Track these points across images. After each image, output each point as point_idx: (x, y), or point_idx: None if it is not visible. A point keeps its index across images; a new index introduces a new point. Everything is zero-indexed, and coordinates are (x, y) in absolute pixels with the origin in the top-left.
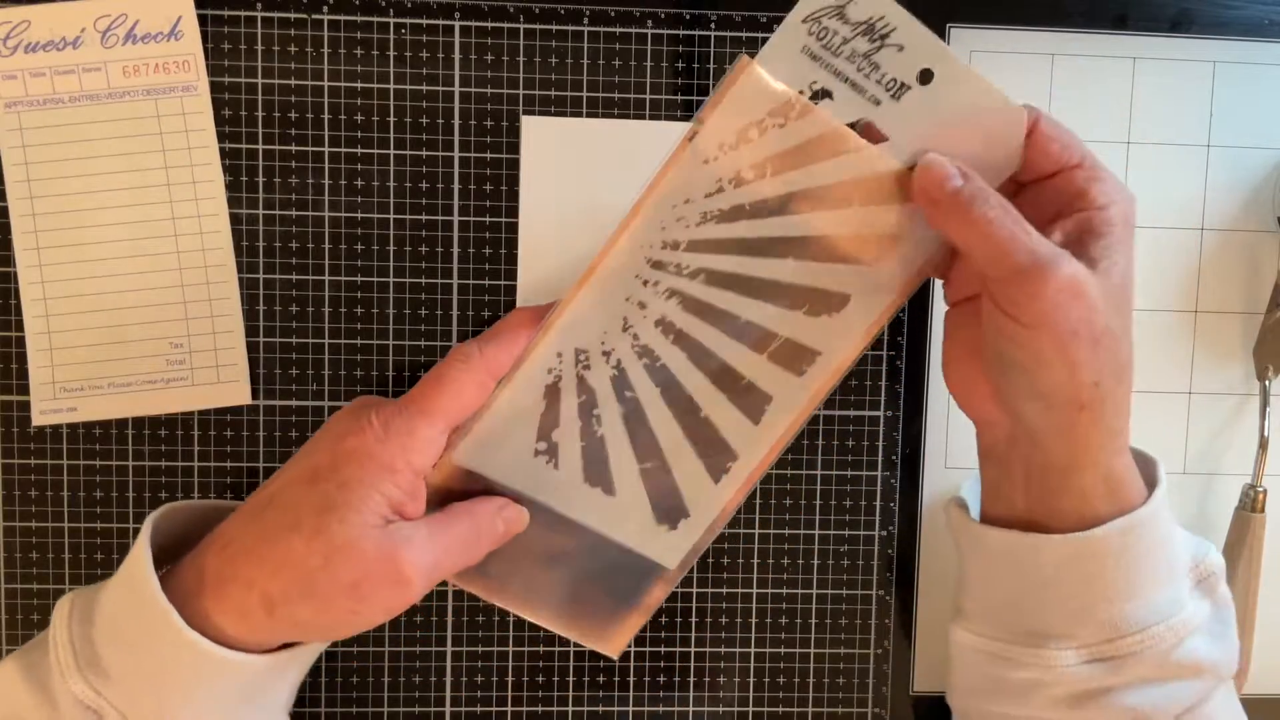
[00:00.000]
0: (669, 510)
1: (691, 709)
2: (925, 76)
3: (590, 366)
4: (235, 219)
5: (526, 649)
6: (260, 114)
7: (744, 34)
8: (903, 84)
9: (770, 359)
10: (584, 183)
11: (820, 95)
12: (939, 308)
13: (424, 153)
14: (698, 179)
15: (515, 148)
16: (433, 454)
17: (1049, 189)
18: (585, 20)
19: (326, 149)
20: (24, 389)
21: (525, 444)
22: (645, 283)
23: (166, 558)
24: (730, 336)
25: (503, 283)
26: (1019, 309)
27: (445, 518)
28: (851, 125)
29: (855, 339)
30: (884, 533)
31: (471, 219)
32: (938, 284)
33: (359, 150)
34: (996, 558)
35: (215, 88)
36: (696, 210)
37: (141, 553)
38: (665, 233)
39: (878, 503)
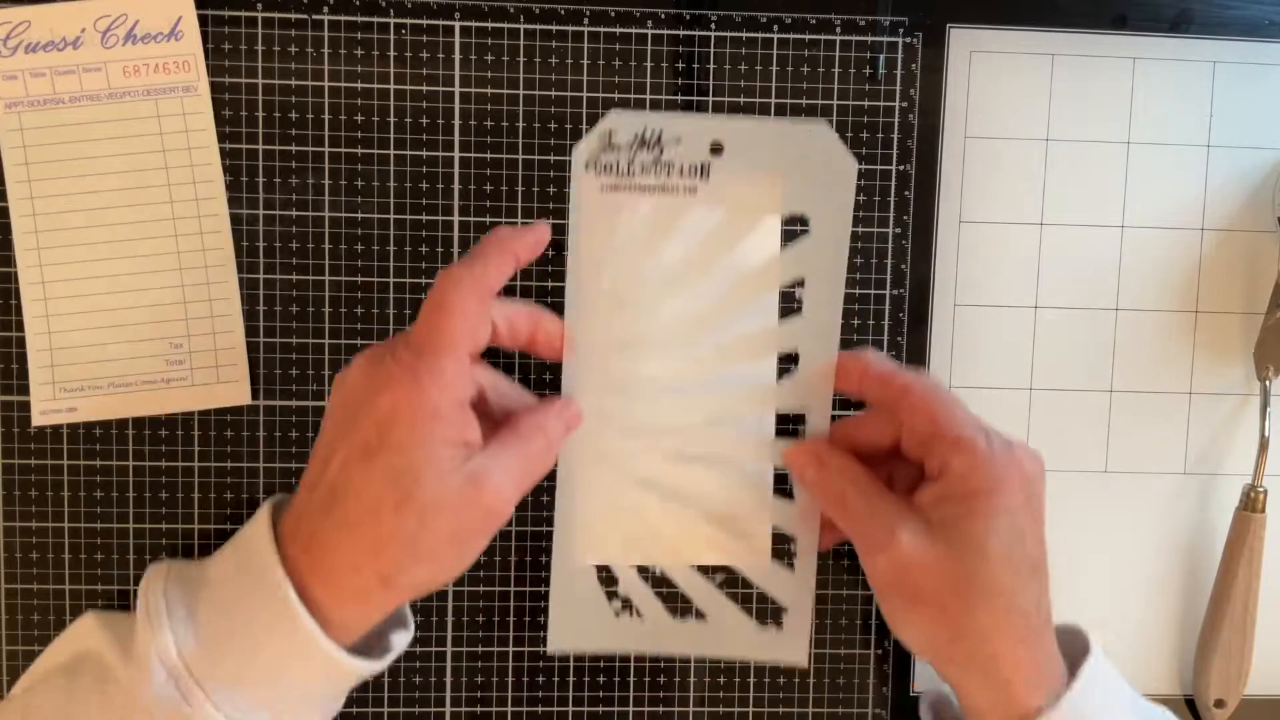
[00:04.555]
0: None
1: (692, 709)
2: (716, 148)
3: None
4: (235, 219)
5: (526, 649)
6: (260, 114)
7: (744, 34)
8: (701, 165)
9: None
10: None
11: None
12: (939, 309)
13: (424, 153)
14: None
15: (515, 148)
16: (466, 381)
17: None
18: (585, 20)
19: (326, 149)
20: (24, 389)
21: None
22: None
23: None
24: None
25: None
26: (871, 576)
27: (513, 436)
28: None
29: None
30: None
31: (471, 219)
32: (937, 287)
33: (359, 150)
34: None
35: (215, 88)
36: None
37: (268, 548)
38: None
39: None
